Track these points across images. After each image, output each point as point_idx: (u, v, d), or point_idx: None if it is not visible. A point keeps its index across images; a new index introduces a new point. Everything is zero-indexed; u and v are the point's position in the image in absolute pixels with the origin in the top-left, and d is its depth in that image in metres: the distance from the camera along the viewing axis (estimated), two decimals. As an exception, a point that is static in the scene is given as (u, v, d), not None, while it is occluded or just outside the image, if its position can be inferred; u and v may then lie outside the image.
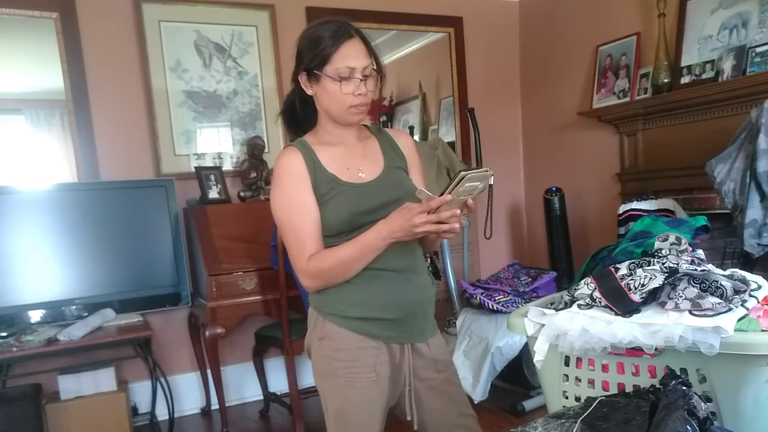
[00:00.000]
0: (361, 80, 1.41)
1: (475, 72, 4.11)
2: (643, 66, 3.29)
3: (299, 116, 1.55)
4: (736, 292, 1.23)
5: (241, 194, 3.33)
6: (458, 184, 1.23)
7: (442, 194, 1.26)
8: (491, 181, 1.30)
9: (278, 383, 3.43)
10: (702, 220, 1.68)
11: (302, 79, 1.46)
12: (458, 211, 1.30)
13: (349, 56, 1.39)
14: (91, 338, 2.67)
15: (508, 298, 3.10)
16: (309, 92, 1.47)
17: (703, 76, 2.93)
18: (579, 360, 1.41)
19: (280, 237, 2.63)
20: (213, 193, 3.21)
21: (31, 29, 3.03)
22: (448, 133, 4.10)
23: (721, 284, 1.23)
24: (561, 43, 3.89)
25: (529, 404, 2.98)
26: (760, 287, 1.35)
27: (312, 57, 1.41)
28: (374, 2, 3.69)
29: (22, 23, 2.99)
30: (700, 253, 1.47)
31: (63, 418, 2.73)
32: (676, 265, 1.33)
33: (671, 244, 1.45)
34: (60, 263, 2.87)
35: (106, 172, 3.14)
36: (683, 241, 1.46)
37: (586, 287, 1.38)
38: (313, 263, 1.42)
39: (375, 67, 1.45)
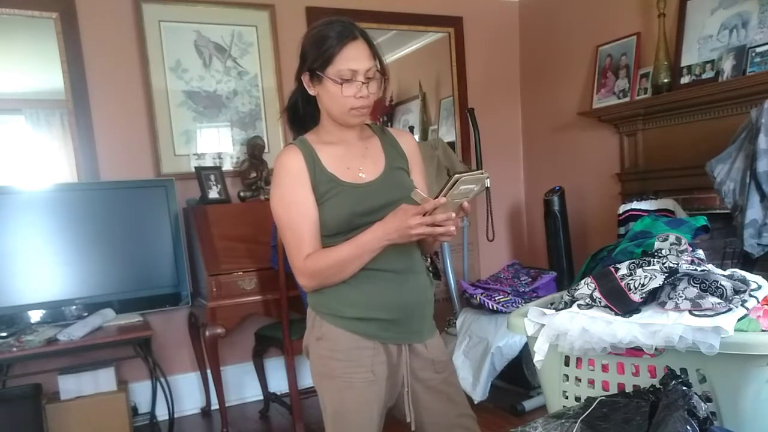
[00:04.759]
0: (363, 83, 1.40)
1: (475, 72, 4.11)
2: (643, 66, 3.29)
3: (302, 115, 1.54)
4: (736, 292, 1.23)
5: (241, 194, 3.33)
6: (453, 186, 1.22)
7: (437, 197, 1.24)
8: (487, 184, 1.29)
9: (278, 383, 3.43)
10: (702, 220, 1.68)
11: (305, 78, 1.45)
12: (453, 215, 1.29)
13: (352, 58, 1.38)
14: (91, 338, 2.67)
15: (508, 298, 3.10)
16: (311, 92, 1.46)
17: (703, 76, 2.93)
18: (579, 360, 1.41)
19: (280, 237, 2.63)
20: (213, 193, 3.21)
21: (31, 29, 3.03)
22: (448, 133, 4.10)
23: (721, 284, 1.23)
24: (561, 43, 3.89)
25: (529, 404, 2.98)
26: (760, 287, 1.34)
27: (315, 57, 1.40)
28: (374, 2, 3.69)
29: (22, 23, 2.99)
30: (700, 253, 1.47)
31: (63, 418, 2.73)
32: (676, 265, 1.33)
33: (671, 244, 1.45)
34: (60, 263, 2.87)
35: (106, 172, 3.14)
36: (683, 241, 1.45)
37: (586, 287, 1.38)
38: (310, 262, 1.42)
39: (378, 68, 1.44)
